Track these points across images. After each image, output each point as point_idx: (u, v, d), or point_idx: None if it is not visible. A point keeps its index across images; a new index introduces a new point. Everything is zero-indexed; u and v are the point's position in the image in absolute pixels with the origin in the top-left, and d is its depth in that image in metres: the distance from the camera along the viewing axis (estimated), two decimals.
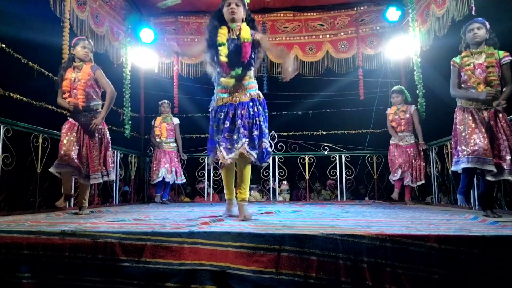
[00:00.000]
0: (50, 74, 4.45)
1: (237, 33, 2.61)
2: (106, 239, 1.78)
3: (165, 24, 6.73)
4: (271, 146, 2.76)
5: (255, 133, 2.57)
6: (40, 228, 1.95)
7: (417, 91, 5.46)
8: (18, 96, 3.98)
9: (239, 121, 2.54)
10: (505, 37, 3.00)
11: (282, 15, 6.60)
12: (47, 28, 4.35)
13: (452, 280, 1.60)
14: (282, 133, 6.61)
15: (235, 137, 2.54)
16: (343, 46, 6.47)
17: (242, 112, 2.57)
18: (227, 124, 2.57)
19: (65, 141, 3.27)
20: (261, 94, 2.73)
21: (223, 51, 2.56)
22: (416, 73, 5.45)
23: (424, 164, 5.02)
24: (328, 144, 6.18)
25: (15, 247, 1.82)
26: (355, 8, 6.44)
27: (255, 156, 2.55)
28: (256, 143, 2.56)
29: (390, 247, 1.65)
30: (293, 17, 6.60)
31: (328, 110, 7.00)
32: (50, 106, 4.37)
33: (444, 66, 3.35)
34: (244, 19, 2.66)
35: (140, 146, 6.47)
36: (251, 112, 2.58)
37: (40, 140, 3.78)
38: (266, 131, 2.67)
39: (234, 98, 2.62)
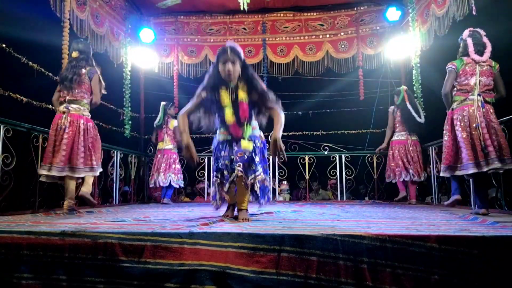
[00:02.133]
0: (50, 74, 4.45)
1: (236, 93, 2.56)
2: (106, 239, 1.78)
3: (165, 24, 6.73)
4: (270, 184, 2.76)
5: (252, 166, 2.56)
6: (40, 228, 1.95)
7: (415, 91, 5.47)
8: (18, 96, 3.98)
9: (237, 155, 2.54)
10: (505, 37, 3.00)
11: (282, 15, 6.60)
12: (47, 28, 4.35)
13: (452, 281, 1.60)
14: (282, 133, 6.59)
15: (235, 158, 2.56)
16: (343, 46, 6.47)
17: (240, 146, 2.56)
18: (226, 154, 2.60)
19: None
20: (262, 135, 2.72)
21: (228, 112, 2.54)
22: (415, 73, 5.46)
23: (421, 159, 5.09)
24: (328, 144, 6.18)
25: (15, 247, 1.82)
26: (355, 8, 6.44)
27: (249, 177, 2.53)
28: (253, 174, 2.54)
29: (390, 248, 1.65)
30: (293, 17, 6.60)
31: (328, 110, 7.00)
32: (50, 106, 4.37)
33: (444, 66, 3.35)
34: (240, 75, 2.56)
35: (140, 146, 6.47)
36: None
37: (40, 140, 3.77)
38: (265, 168, 2.68)
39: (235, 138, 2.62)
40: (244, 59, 2.60)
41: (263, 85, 2.62)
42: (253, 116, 2.66)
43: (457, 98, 3.23)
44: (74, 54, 3.60)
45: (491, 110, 3.15)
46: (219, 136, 2.70)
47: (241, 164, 2.53)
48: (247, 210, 2.65)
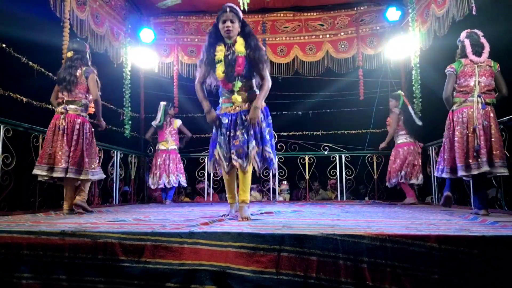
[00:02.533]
0: (50, 74, 4.45)
1: (233, 48, 2.67)
2: (106, 239, 1.78)
3: (165, 24, 6.73)
4: (275, 152, 2.77)
5: (253, 140, 2.60)
6: (40, 228, 1.95)
7: (414, 91, 5.47)
8: (18, 96, 3.98)
9: (238, 131, 2.60)
10: (505, 37, 3.00)
11: (282, 15, 6.60)
12: (47, 28, 4.34)
13: (452, 280, 1.60)
14: (282, 133, 6.61)
15: (231, 145, 2.61)
16: (343, 46, 6.47)
17: (243, 119, 2.62)
18: (225, 131, 2.65)
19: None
20: (263, 103, 2.74)
21: (220, 68, 2.64)
22: (414, 73, 5.46)
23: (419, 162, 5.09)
24: (328, 144, 6.18)
25: (15, 247, 1.82)
26: (355, 8, 6.44)
27: (244, 165, 2.57)
28: (252, 150, 2.58)
29: (390, 247, 1.65)
30: (293, 17, 6.60)
31: (328, 110, 7.00)
32: (50, 106, 4.37)
33: (444, 66, 3.35)
34: (239, 32, 2.69)
35: (140, 146, 6.47)
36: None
37: (40, 140, 3.77)
38: (268, 138, 2.68)
39: (236, 108, 2.68)
40: (243, 18, 2.73)
41: (260, 45, 2.71)
42: (250, 74, 2.70)
43: (457, 100, 3.22)
44: (69, 54, 3.59)
45: (492, 112, 3.13)
46: (221, 106, 2.77)
47: (236, 151, 2.57)
48: (248, 206, 2.66)
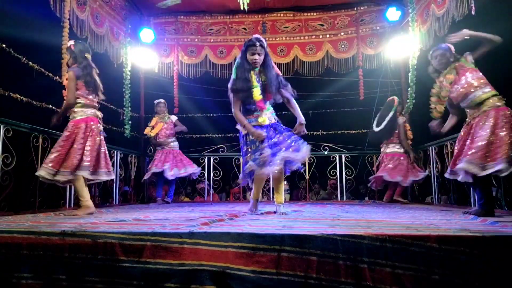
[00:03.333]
0: (50, 74, 4.45)
1: (261, 77, 3.11)
2: (106, 239, 1.78)
3: (165, 24, 6.73)
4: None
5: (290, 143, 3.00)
6: (40, 228, 1.95)
7: (409, 91, 5.49)
8: (18, 96, 3.98)
9: (275, 139, 3.02)
10: (505, 37, 2.99)
11: (282, 15, 6.60)
12: (47, 28, 4.34)
13: (452, 280, 1.60)
14: None
15: (274, 150, 2.94)
16: (343, 46, 6.47)
17: (275, 131, 3.10)
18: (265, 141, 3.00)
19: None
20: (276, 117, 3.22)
21: (257, 91, 3.05)
22: (410, 75, 5.47)
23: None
24: (328, 144, 6.18)
25: (15, 247, 1.82)
26: (355, 8, 6.44)
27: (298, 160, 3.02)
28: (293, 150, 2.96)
29: (390, 247, 1.65)
30: (293, 17, 6.60)
31: (328, 110, 7.00)
32: (50, 106, 4.38)
33: None
34: (264, 60, 3.07)
35: (140, 146, 6.47)
36: (280, 129, 3.12)
37: (40, 140, 3.77)
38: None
39: (265, 122, 3.10)
40: (265, 49, 3.07)
41: (278, 71, 3.17)
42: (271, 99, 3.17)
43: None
44: (88, 56, 3.53)
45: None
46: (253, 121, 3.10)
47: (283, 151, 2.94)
48: (283, 203, 3.15)
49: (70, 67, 3.49)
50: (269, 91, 3.06)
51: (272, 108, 3.20)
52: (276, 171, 2.93)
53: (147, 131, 5.71)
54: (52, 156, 3.27)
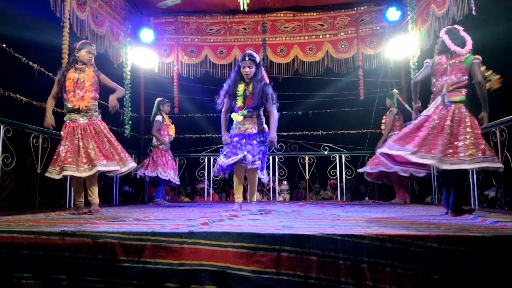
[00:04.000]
0: (50, 74, 4.45)
1: (249, 87, 3.47)
2: (106, 239, 1.78)
3: (165, 24, 6.73)
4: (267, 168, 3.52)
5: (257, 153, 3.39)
6: (40, 228, 1.95)
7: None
8: (18, 96, 3.98)
9: (248, 146, 3.37)
10: (505, 37, 2.98)
11: (282, 15, 6.60)
12: (47, 28, 4.34)
13: (452, 280, 1.60)
14: (282, 133, 6.61)
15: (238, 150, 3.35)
16: (343, 46, 6.47)
17: (250, 141, 3.43)
18: (238, 145, 3.40)
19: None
20: (266, 128, 3.53)
21: (240, 100, 3.47)
22: (412, 74, 5.46)
23: None
24: (328, 144, 6.18)
25: (15, 247, 1.82)
26: (355, 8, 6.44)
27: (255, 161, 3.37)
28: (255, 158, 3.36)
29: (390, 247, 1.65)
30: (293, 17, 6.59)
31: (328, 110, 7.00)
32: None
33: None
34: (255, 73, 3.45)
35: (140, 146, 6.47)
36: (257, 140, 3.46)
37: (40, 140, 3.77)
38: (262, 158, 3.50)
39: (246, 130, 3.47)
40: (259, 63, 3.52)
41: (267, 88, 3.46)
42: (260, 109, 3.53)
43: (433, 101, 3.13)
44: None
45: (461, 110, 2.94)
46: (235, 127, 3.53)
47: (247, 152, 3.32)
48: (255, 201, 3.63)
49: (87, 66, 3.47)
50: (252, 99, 3.41)
51: (258, 120, 3.51)
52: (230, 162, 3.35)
53: (172, 132, 5.67)
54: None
